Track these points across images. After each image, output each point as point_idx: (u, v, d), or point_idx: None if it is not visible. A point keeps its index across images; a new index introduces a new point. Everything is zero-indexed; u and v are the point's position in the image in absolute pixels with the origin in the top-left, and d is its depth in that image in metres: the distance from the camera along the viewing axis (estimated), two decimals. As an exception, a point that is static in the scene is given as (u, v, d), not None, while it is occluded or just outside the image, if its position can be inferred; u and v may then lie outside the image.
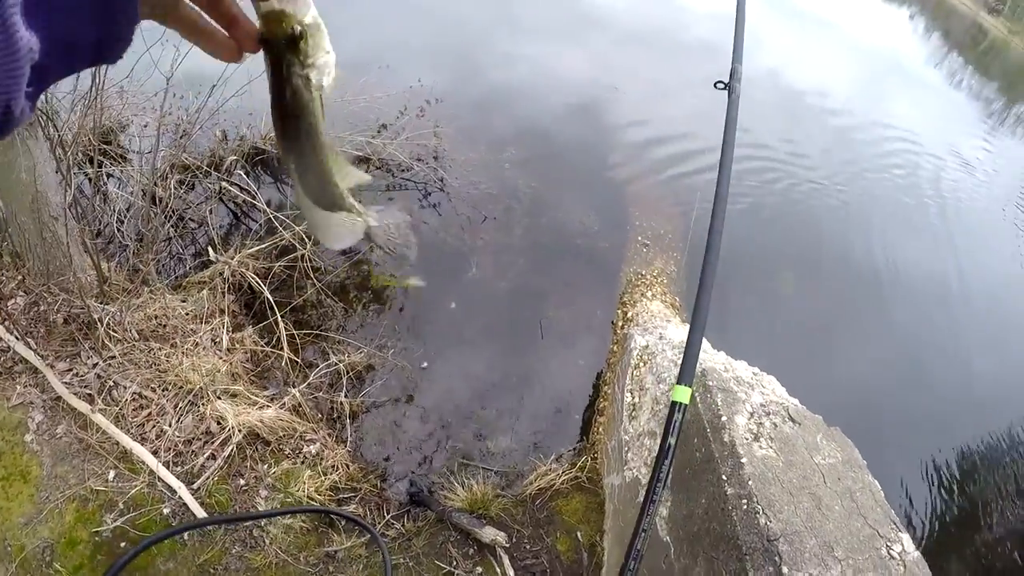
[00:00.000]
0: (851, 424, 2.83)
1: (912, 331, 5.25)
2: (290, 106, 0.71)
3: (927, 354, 5.10)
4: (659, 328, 3.84)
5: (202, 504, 3.08)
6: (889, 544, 2.12)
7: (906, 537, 2.15)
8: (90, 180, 4.31)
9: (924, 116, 8.87)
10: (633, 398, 3.41)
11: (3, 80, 0.47)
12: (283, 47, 0.68)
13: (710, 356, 3.22)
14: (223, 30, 0.66)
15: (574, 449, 3.90)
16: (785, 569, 1.95)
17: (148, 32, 3.79)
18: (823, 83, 8.83)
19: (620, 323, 4.45)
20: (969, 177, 7.82)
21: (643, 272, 4.79)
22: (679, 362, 3.12)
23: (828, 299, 5.39)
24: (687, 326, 3.96)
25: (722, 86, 2.47)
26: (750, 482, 2.22)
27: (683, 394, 1.88)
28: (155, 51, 3.45)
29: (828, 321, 5.17)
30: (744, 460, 2.30)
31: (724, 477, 2.30)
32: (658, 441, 2.92)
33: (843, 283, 5.55)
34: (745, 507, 2.17)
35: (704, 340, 3.52)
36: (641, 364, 3.52)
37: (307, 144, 0.75)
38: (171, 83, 3.73)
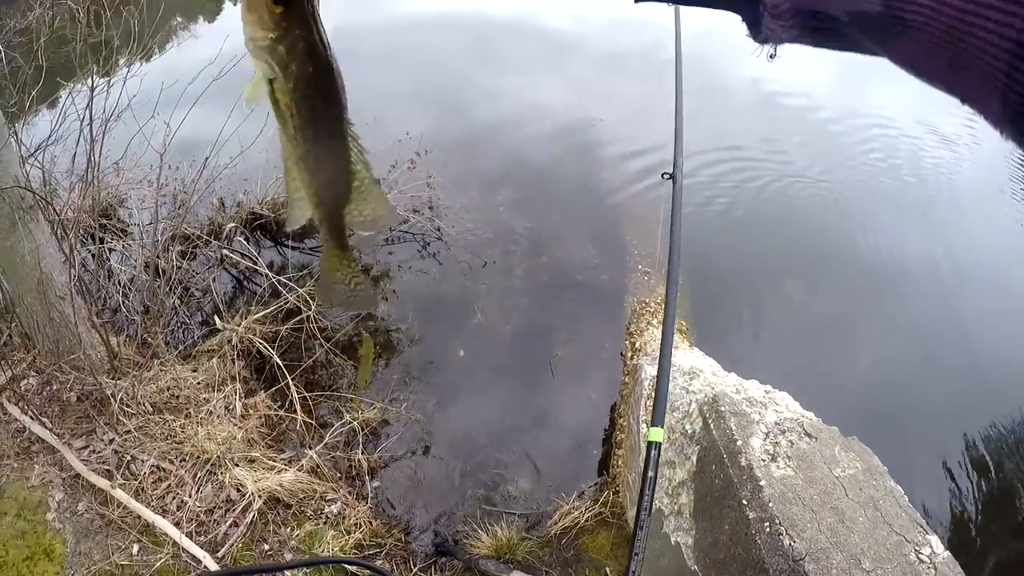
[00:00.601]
0: (868, 427, 2.84)
1: (918, 321, 5.20)
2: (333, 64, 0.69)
3: (936, 343, 5.04)
4: (667, 356, 3.84)
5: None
6: (917, 548, 2.11)
7: (934, 539, 2.14)
8: (93, 257, 4.38)
9: (899, 99, 8.87)
10: (648, 428, 3.41)
11: None
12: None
13: (720, 379, 3.22)
14: None
15: (595, 484, 3.89)
16: (814, 588, 1.94)
17: (139, 109, 3.87)
18: (796, 79, 8.80)
19: (629, 354, 4.46)
20: (950, 153, 7.74)
21: (647, 300, 4.82)
22: (690, 388, 3.16)
23: (830, 300, 5.36)
24: (696, 350, 3.99)
25: (667, 176, 2.95)
26: (771, 504, 2.22)
27: (657, 434, 2.21)
28: (147, 128, 3.53)
29: (833, 323, 5.14)
30: (763, 483, 2.30)
31: (745, 502, 2.30)
32: (676, 470, 2.93)
33: (843, 281, 5.52)
34: (768, 530, 2.17)
35: (714, 363, 3.57)
36: (654, 393, 3.52)
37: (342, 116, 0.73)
38: (164, 157, 3.81)
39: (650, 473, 2.11)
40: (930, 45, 0.39)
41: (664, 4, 0.56)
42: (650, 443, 2.19)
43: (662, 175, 2.95)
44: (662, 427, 2.24)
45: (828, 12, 0.44)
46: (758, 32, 0.49)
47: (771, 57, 0.53)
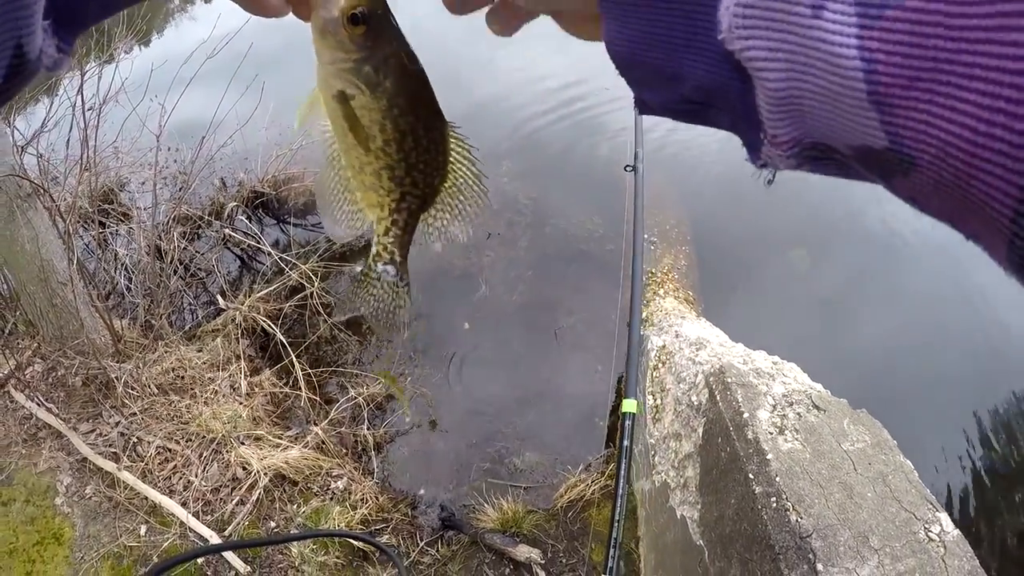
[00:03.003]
0: (877, 399, 2.78)
1: (928, 290, 5.12)
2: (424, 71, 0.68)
3: (946, 314, 4.96)
4: (674, 326, 3.79)
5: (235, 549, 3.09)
6: (927, 526, 2.07)
7: (944, 516, 2.09)
8: (96, 241, 4.37)
9: None
10: (655, 400, 3.37)
11: (8, 13, 0.40)
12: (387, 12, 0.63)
13: (728, 350, 3.17)
14: None
15: (602, 456, 3.87)
16: (820, 566, 1.91)
17: (135, 92, 3.83)
18: None
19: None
20: None
21: (653, 270, 4.75)
22: (696, 358, 3.12)
23: (838, 269, 5.27)
24: (703, 320, 3.94)
25: (629, 168, 3.14)
26: (777, 478, 2.18)
27: (630, 405, 2.39)
28: (141, 109, 3.49)
29: (842, 293, 5.06)
30: (770, 456, 2.26)
31: (751, 476, 2.26)
32: (683, 443, 2.90)
33: (852, 250, 5.43)
34: (775, 505, 2.13)
35: (721, 333, 3.53)
36: (660, 365, 3.48)
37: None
38: (161, 139, 3.77)
39: (625, 442, 2.29)
40: (937, 185, 0.38)
41: (669, 120, 0.54)
42: (623, 414, 2.35)
43: (624, 167, 3.08)
44: (636, 399, 2.40)
45: (830, 144, 0.43)
46: (757, 157, 0.48)
47: (768, 183, 0.51)
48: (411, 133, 0.70)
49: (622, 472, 2.18)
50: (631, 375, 2.50)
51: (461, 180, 0.78)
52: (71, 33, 0.47)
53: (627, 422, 2.32)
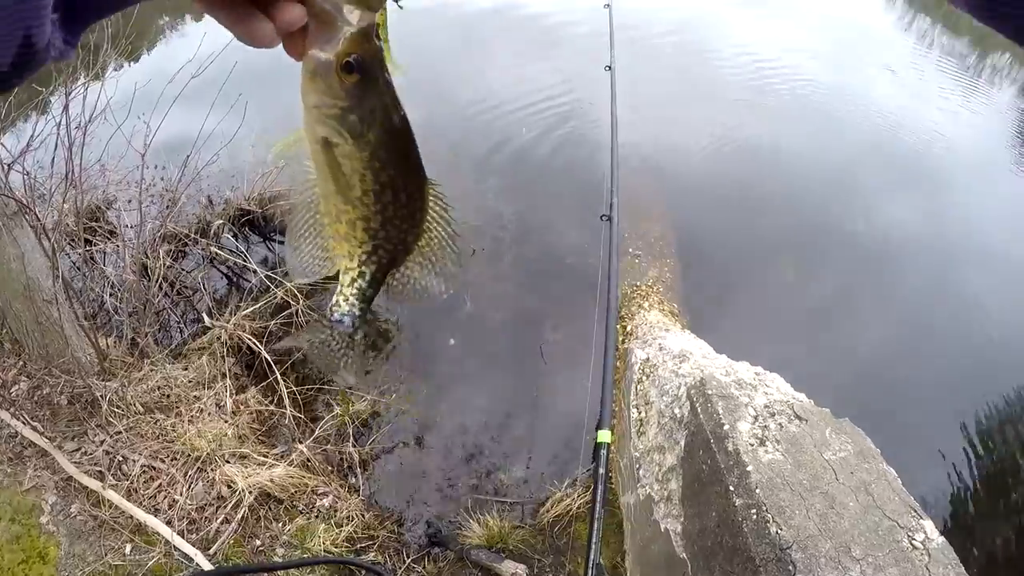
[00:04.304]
0: (861, 408, 2.80)
1: (912, 299, 5.16)
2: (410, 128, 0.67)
3: (930, 322, 5.00)
4: (658, 339, 3.81)
5: (220, 570, 3.08)
6: (911, 534, 2.08)
7: (928, 524, 2.10)
8: (82, 259, 4.36)
9: (901, 80, 8.80)
10: (639, 413, 3.39)
11: (18, 3, 0.42)
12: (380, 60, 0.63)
13: (711, 361, 3.19)
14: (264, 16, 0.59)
15: (588, 471, 3.86)
16: (799, 577, 1.92)
17: (120, 110, 3.84)
18: (794, 61, 8.74)
19: (620, 338, 4.43)
20: (955, 128, 7.69)
21: (638, 283, 4.77)
22: (679, 371, 3.14)
23: (824, 279, 5.32)
24: (687, 333, 3.96)
25: (605, 218, 3.31)
26: (757, 490, 2.19)
27: (605, 436, 2.52)
28: (127, 127, 3.50)
29: (827, 303, 5.11)
30: (750, 468, 2.27)
31: (731, 488, 2.27)
32: (666, 455, 2.92)
33: (837, 260, 5.48)
34: (755, 517, 2.14)
35: (704, 344, 3.55)
36: (644, 378, 3.50)
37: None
38: (147, 157, 3.78)
39: (601, 470, 2.41)
40: None
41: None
42: (597, 444, 2.50)
43: (600, 216, 3.27)
44: (609, 430, 2.54)
45: None
46: None
47: None
48: (391, 187, 0.69)
49: (598, 497, 2.33)
50: (605, 408, 2.65)
51: (435, 240, 0.76)
52: (78, 26, 0.49)
53: (602, 451, 2.46)
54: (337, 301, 0.79)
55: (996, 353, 4.71)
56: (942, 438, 4.26)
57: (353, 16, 0.60)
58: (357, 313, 0.79)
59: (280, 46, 0.61)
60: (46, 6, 0.44)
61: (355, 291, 0.78)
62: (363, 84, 0.62)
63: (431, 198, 0.74)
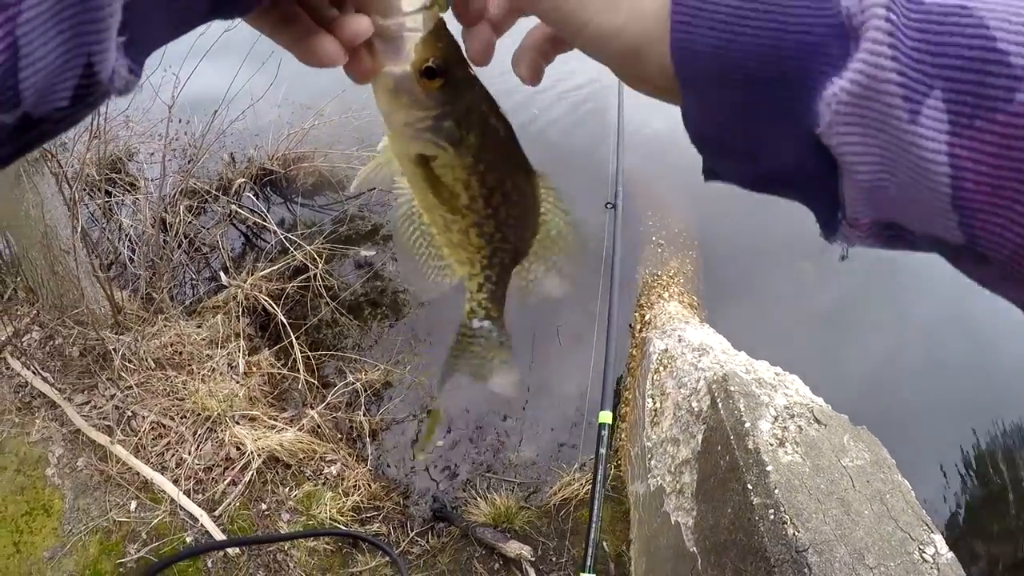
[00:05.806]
0: (878, 416, 2.76)
1: (930, 311, 5.09)
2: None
3: (947, 336, 4.94)
4: (677, 331, 3.77)
5: (224, 531, 3.07)
6: (921, 547, 2.05)
7: (938, 538, 2.08)
8: (101, 210, 4.34)
9: None
10: (655, 404, 3.36)
11: (78, 26, 0.34)
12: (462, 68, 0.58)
13: (730, 358, 3.15)
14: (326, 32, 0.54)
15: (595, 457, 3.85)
16: (816, 582, 1.89)
17: (149, 60, 3.81)
18: None
19: (638, 326, 4.39)
20: None
21: (659, 273, 4.72)
22: (699, 364, 3.10)
23: (843, 284, 5.25)
24: (706, 327, 3.92)
25: (610, 206, 3.47)
26: (776, 491, 2.16)
27: (607, 417, 2.72)
28: (155, 79, 3.45)
29: (845, 308, 5.04)
30: (770, 468, 2.24)
31: (750, 486, 2.24)
32: (680, 448, 2.88)
33: (858, 264, 5.41)
34: (772, 517, 2.11)
35: (724, 340, 3.51)
36: (661, 368, 3.46)
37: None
38: (173, 110, 3.74)
39: (602, 450, 2.60)
40: (1005, 276, 0.41)
41: (735, 186, 0.53)
42: (600, 425, 2.68)
43: (605, 204, 3.33)
44: (611, 411, 2.78)
45: (905, 226, 0.45)
46: (831, 234, 0.49)
47: (842, 259, 0.54)
48: (499, 188, 0.65)
49: (599, 477, 2.51)
50: (607, 390, 2.88)
51: (554, 231, 0.72)
52: (143, 54, 0.42)
53: (603, 432, 2.65)
54: (472, 308, 0.76)
55: (1007, 375, 4.66)
56: (951, 455, 4.22)
57: (417, 21, 0.55)
58: (495, 315, 0.76)
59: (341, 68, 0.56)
60: (111, 28, 0.36)
61: (485, 295, 0.75)
62: (449, 86, 0.58)
63: (542, 190, 0.70)
